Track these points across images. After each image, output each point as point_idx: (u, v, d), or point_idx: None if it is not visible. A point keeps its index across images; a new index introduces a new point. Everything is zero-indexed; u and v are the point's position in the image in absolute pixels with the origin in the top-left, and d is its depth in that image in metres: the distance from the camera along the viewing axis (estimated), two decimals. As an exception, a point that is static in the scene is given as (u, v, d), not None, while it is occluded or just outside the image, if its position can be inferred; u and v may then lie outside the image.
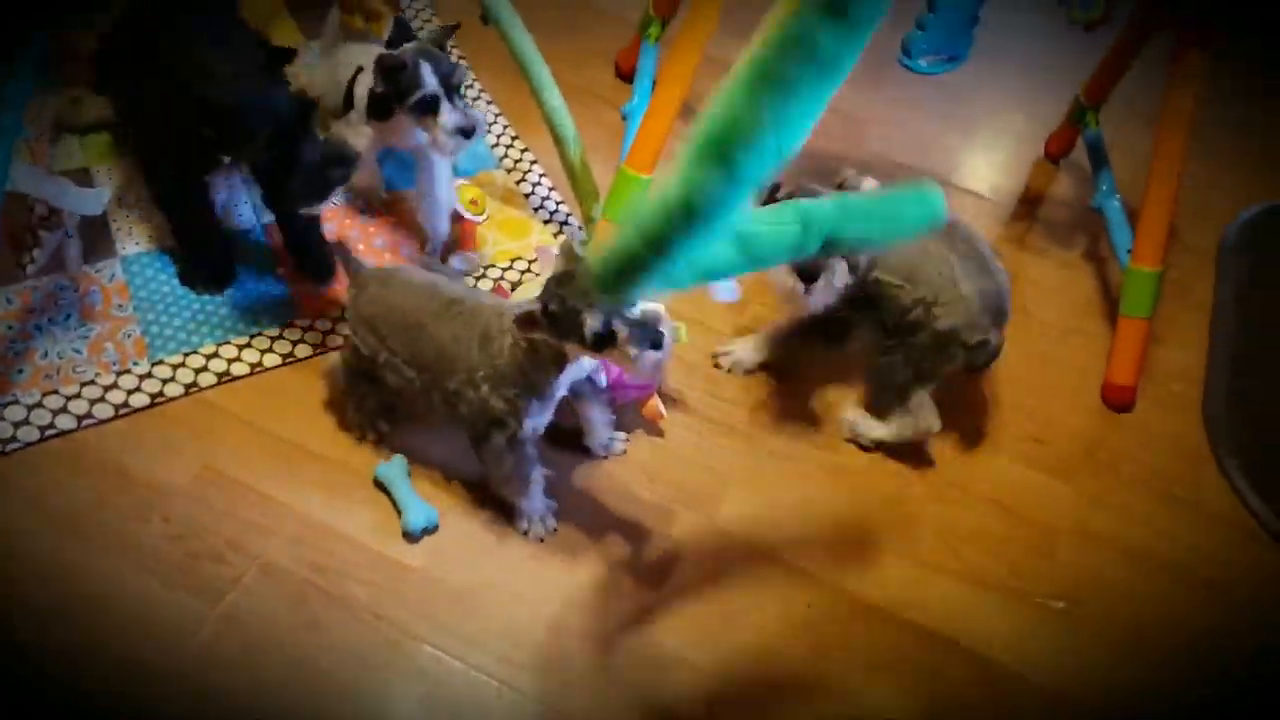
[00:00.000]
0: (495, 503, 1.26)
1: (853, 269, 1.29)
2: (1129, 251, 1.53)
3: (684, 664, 1.17)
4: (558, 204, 1.64)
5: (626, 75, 1.93)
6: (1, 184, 1.13)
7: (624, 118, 1.79)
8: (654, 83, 1.73)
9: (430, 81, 1.32)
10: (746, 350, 1.48)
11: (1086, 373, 1.58)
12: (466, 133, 1.34)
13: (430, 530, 1.23)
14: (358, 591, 1.17)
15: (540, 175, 1.67)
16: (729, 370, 1.47)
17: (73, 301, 1.37)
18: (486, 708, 1.11)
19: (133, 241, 1.45)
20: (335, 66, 1.47)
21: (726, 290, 1.36)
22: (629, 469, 1.34)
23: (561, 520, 1.27)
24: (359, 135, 1.42)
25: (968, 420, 1.48)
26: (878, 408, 1.41)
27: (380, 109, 1.38)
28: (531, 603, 1.20)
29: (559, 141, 1.51)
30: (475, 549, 1.24)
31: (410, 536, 1.22)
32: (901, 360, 1.35)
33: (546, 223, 1.61)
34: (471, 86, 1.79)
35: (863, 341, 1.40)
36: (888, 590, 1.28)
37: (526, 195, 1.64)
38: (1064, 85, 1.92)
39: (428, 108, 1.33)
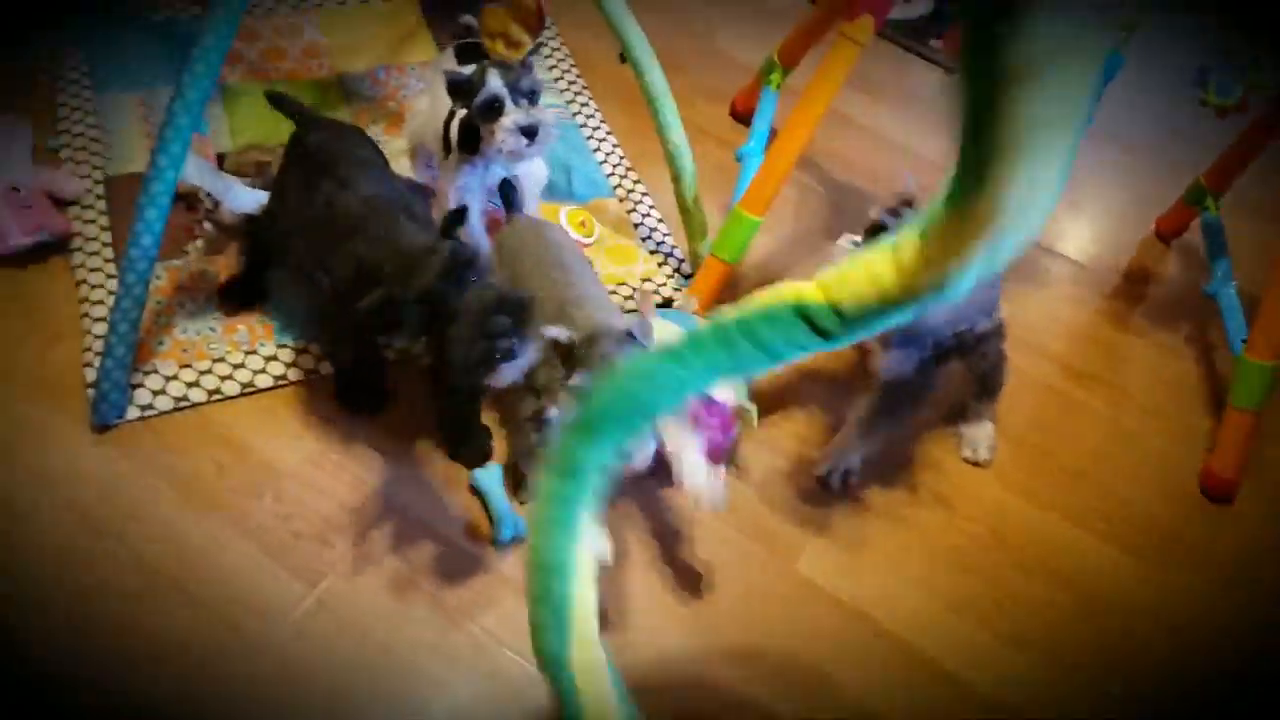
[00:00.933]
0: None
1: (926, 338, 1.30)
2: (1243, 341, 1.52)
3: (757, 709, 1.19)
4: (665, 236, 1.69)
5: (740, 116, 1.98)
6: (176, 177, 1.22)
7: (738, 159, 1.84)
8: (772, 129, 1.78)
9: (495, 84, 1.30)
10: (843, 455, 1.40)
11: (1176, 460, 1.56)
12: (529, 132, 1.31)
13: (519, 539, 1.28)
14: (446, 590, 1.23)
15: (650, 207, 1.73)
16: (840, 486, 1.42)
17: (214, 284, 1.46)
18: None
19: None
20: (435, 101, 1.47)
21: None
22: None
23: (647, 546, 1.31)
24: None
25: (1054, 491, 1.49)
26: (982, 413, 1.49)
27: (468, 138, 1.36)
28: (611, 626, 1.23)
29: (676, 179, 1.57)
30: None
31: (499, 545, 1.27)
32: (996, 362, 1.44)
33: (653, 253, 1.67)
34: (593, 116, 1.86)
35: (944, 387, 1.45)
36: (954, 651, 1.29)
37: (636, 225, 1.70)
38: (1181, 166, 1.91)
39: (491, 110, 1.31)
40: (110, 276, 1.44)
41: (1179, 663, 1.34)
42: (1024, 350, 1.68)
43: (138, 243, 1.24)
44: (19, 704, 1.08)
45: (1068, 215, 1.98)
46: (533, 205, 1.52)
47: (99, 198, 1.54)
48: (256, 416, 1.35)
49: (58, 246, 1.48)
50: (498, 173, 1.45)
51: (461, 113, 1.38)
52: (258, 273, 1.45)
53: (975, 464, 1.49)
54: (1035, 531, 1.44)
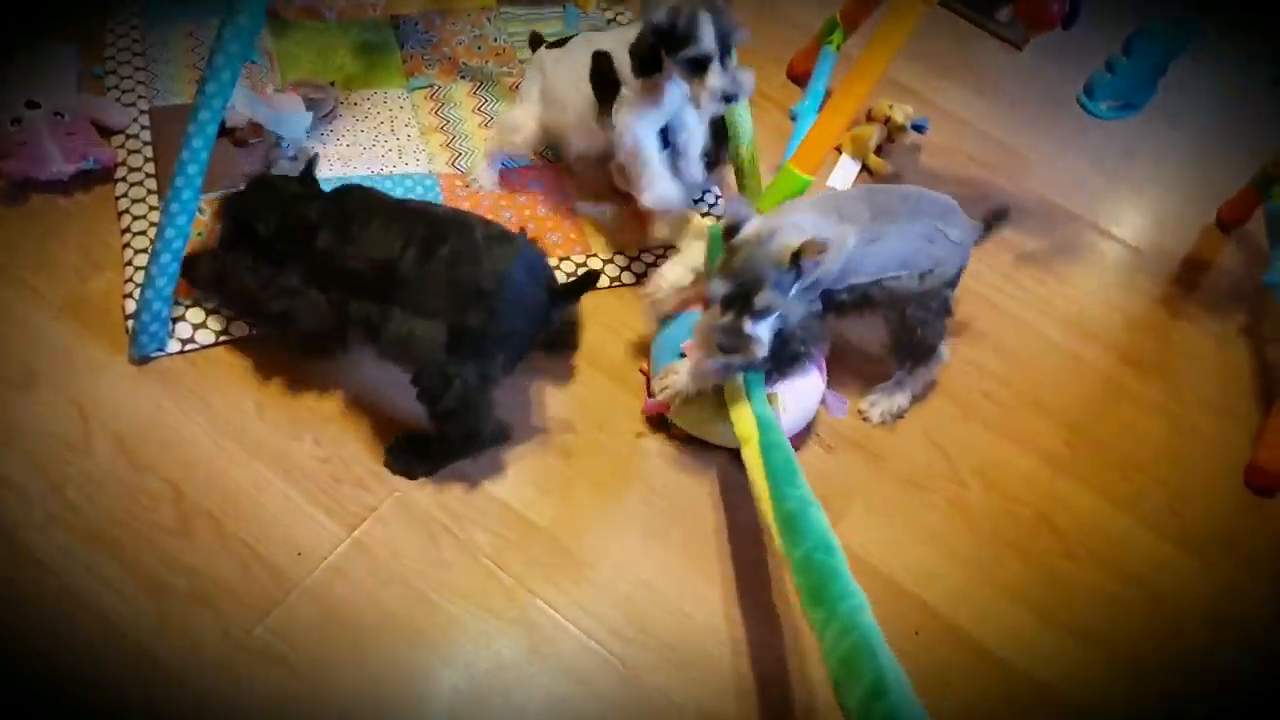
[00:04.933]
0: (632, 485, 1.29)
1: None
2: (1300, 334, 1.47)
3: (794, 675, 1.18)
4: (717, 197, 1.65)
5: (797, 78, 1.93)
6: (224, 105, 1.19)
7: (792, 118, 1.80)
8: (828, 89, 1.74)
9: (708, 38, 1.24)
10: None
11: (1230, 452, 1.52)
12: (730, 98, 1.27)
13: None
14: (483, 539, 1.22)
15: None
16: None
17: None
18: (589, 674, 1.14)
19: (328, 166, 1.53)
20: (575, 65, 1.42)
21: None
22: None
23: (690, 514, 1.29)
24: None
25: (1104, 478, 1.45)
26: (909, 372, 1.41)
27: (649, 62, 1.30)
28: (654, 589, 1.21)
29: (734, 138, 1.53)
30: (602, 525, 1.27)
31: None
32: (934, 311, 1.35)
33: (705, 215, 1.63)
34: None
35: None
36: (997, 633, 1.26)
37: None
38: (1248, 154, 1.85)
39: (698, 66, 1.26)
40: (153, 208, 1.42)
41: (1221, 655, 1.31)
42: (1078, 335, 1.65)
43: (183, 171, 1.21)
44: (49, 632, 1.07)
45: (1128, 198, 1.92)
46: (696, 169, 1.47)
47: (144, 128, 1.52)
48: (295, 359, 1.33)
49: (102, 175, 1.46)
50: (660, 119, 1.40)
51: (621, 54, 1.33)
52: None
53: (865, 419, 1.43)
54: (1085, 518, 1.41)
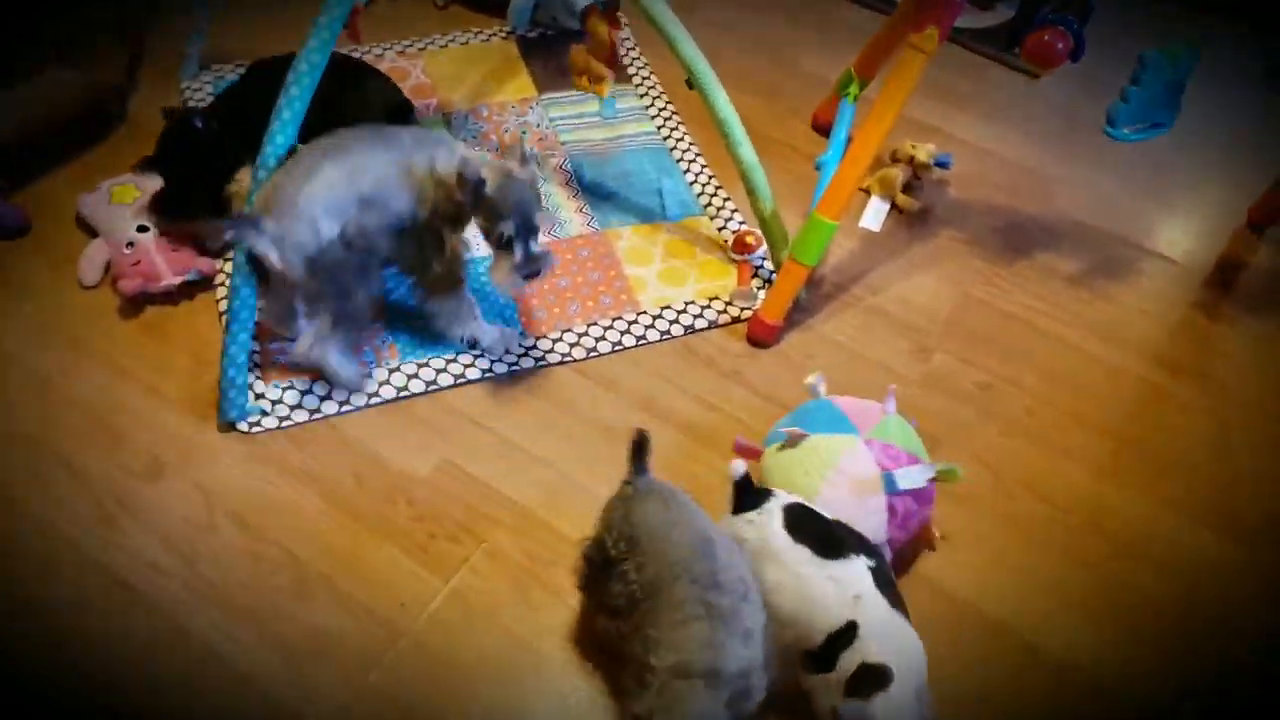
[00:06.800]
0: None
1: None
2: (1333, 327, 1.52)
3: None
4: (763, 257, 1.77)
5: (820, 129, 2.05)
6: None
7: (817, 168, 1.91)
8: (849, 137, 1.85)
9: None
10: None
11: (1276, 445, 1.56)
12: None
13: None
14: (566, 581, 1.33)
15: (740, 222, 1.82)
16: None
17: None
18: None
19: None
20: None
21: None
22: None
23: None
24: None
25: (1152, 482, 1.51)
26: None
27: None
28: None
29: (751, 194, 1.66)
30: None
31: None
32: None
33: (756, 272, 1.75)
34: (683, 139, 1.96)
35: None
36: (1056, 636, 1.32)
37: (726, 242, 1.79)
38: (1271, 156, 1.90)
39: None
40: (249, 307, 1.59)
41: (1274, 643, 1.35)
42: (1117, 347, 1.71)
43: (239, 270, 1.40)
44: (194, 689, 1.21)
45: (1157, 211, 1.98)
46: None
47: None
48: (384, 427, 1.48)
49: (204, 284, 1.65)
50: None
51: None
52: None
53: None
54: (1134, 520, 1.46)
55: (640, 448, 1.18)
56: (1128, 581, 1.39)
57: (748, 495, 1.21)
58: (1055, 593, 1.37)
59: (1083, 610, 1.36)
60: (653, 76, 2.09)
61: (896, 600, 1.14)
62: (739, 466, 1.21)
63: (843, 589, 1.12)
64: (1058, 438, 1.56)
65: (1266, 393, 1.65)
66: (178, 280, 1.61)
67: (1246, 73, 2.26)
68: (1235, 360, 1.71)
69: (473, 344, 1.57)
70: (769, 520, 1.18)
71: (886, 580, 1.15)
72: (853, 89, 1.91)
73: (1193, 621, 1.36)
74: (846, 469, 1.28)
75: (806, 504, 1.22)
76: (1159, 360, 1.70)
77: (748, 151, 1.63)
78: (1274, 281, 1.84)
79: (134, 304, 1.61)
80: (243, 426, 1.46)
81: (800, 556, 1.15)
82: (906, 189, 1.93)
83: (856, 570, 1.13)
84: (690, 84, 1.63)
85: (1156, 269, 1.87)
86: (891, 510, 1.27)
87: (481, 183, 1.35)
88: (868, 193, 1.93)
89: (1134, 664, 1.31)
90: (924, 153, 1.94)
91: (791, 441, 1.32)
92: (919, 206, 1.91)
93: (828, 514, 1.21)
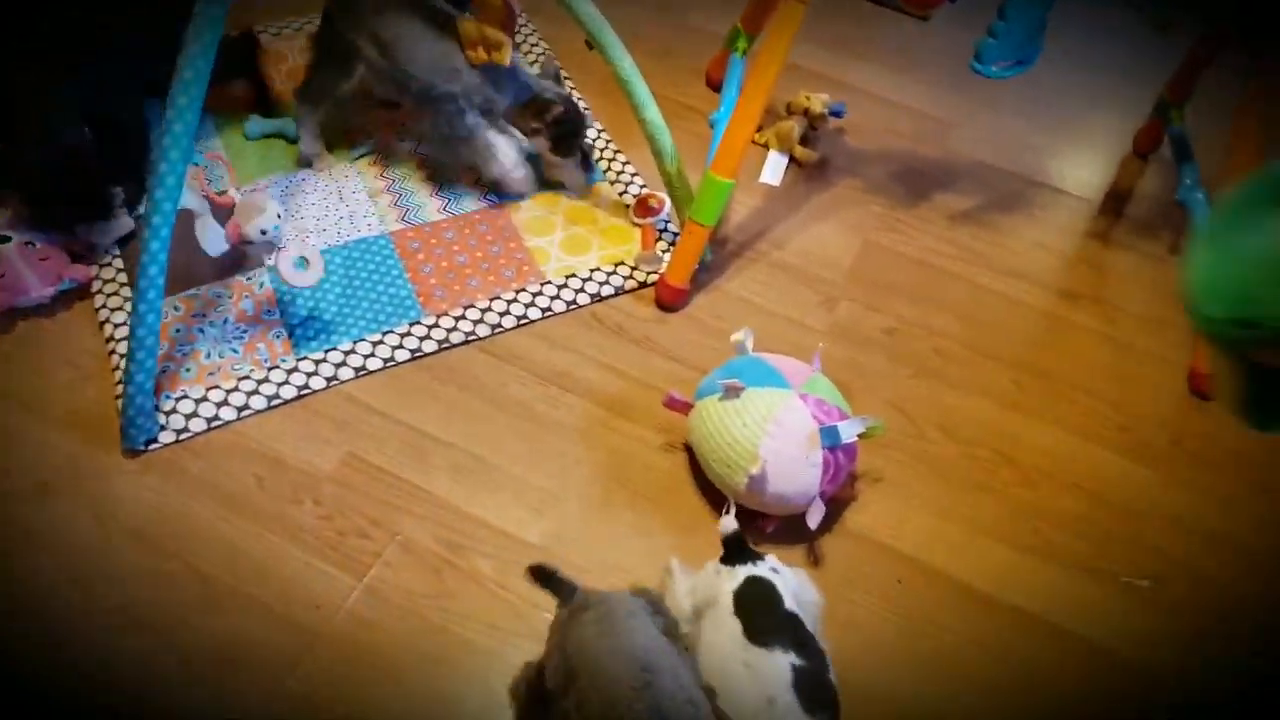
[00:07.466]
0: (616, 493, 1.38)
1: None
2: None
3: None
4: (665, 221, 1.75)
5: (715, 86, 2.03)
6: (173, 209, 1.30)
7: (711, 125, 1.90)
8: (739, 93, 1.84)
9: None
10: None
11: (1172, 363, 1.62)
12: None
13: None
14: (484, 565, 1.30)
15: (641, 185, 1.79)
16: None
17: (228, 308, 1.54)
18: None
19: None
20: None
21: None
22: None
23: (675, 509, 1.37)
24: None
25: (1054, 408, 1.54)
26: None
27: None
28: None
29: (657, 155, 1.63)
30: (593, 533, 1.35)
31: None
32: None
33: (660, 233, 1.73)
34: (579, 102, 1.92)
35: None
36: (975, 569, 1.34)
37: (628, 206, 1.76)
38: (1150, 84, 1.94)
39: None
40: (153, 332, 1.51)
41: (1183, 549, 1.39)
42: (1017, 280, 1.74)
43: (145, 273, 1.30)
44: (89, 708, 1.16)
45: (1052, 147, 2.02)
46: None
47: (114, 243, 1.61)
48: (285, 427, 1.42)
49: (80, 292, 1.55)
50: None
51: None
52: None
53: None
54: (1040, 448, 1.49)
55: (547, 579, 1.10)
56: (1038, 506, 1.43)
57: (735, 553, 1.15)
58: (967, 524, 1.40)
59: (993, 536, 1.39)
60: (541, 42, 2.04)
61: (819, 704, 1.03)
62: (729, 523, 1.16)
63: (759, 683, 1.03)
64: (965, 375, 1.58)
65: (1161, 310, 1.70)
66: (50, 291, 1.52)
67: (1128, 1, 2.31)
68: (1129, 283, 1.76)
69: (495, 185, 1.71)
70: (730, 581, 1.11)
71: (816, 683, 1.03)
72: (741, 44, 1.90)
73: (1104, 541, 1.40)
74: (785, 421, 1.28)
75: (777, 584, 1.11)
76: (1058, 290, 1.73)
77: (653, 113, 1.59)
78: (1160, 205, 1.89)
79: (4, 318, 1.51)
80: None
81: (732, 629, 1.07)
82: (804, 141, 1.93)
83: (776, 666, 1.03)
84: (590, 44, 1.59)
85: (1052, 202, 1.90)
86: (825, 464, 1.27)
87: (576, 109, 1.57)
88: (766, 147, 1.92)
89: (1043, 582, 1.34)
90: (818, 103, 1.93)
91: (730, 393, 1.31)
92: (817, 158, 1.91)
93: (771, 465, 1.19)
